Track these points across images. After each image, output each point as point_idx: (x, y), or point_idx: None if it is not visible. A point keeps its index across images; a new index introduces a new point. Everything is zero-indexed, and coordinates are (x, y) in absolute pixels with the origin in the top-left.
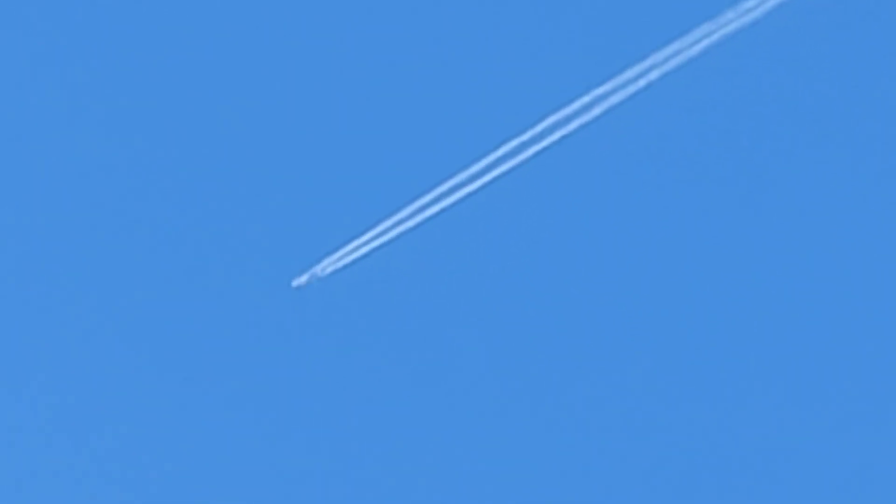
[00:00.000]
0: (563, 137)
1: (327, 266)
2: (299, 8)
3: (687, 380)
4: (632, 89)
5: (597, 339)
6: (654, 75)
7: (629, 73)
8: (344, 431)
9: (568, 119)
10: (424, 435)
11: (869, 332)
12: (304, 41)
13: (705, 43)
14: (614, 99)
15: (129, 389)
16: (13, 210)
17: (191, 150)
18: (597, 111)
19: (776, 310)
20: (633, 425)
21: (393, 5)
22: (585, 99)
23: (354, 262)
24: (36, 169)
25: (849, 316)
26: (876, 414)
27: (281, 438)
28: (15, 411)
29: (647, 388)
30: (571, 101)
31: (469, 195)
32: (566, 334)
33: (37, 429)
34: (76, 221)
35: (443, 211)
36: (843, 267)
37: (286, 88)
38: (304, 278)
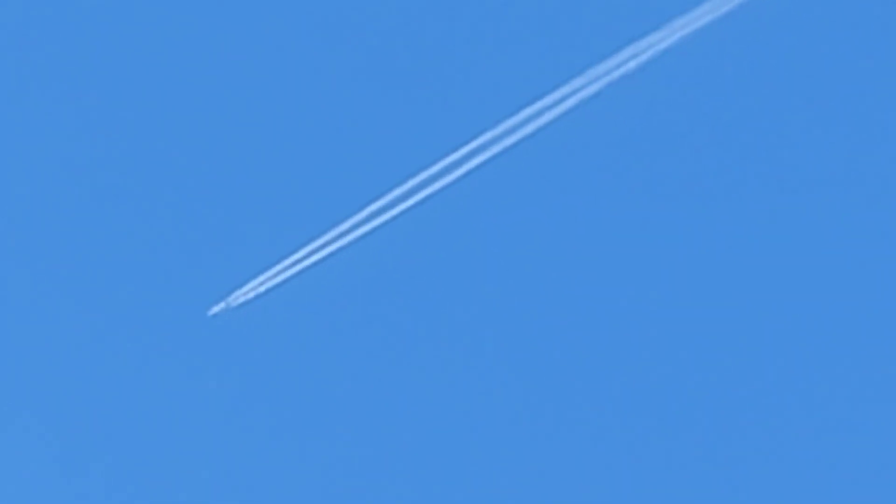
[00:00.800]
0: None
1: (244, 294)
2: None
3: (674, 373)
4: (607, 80)
5: (567, 344)
6: (631, 66)
7: (604, 66)
8: (262, 459)
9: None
10: (343, 468)
11: (855, 324)
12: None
13: (681, 34)
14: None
15: (42, 422)
16: None
17: (101, 168)
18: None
19: (764, 306)
20: (618, 422)
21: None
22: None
23: (270, 290)
24: None
25: (831, 309)
26: (876, 414)
27: (199, 466)
28: None
29: (634, 386)
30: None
31: (393, 219)
32: (518, 356)
33: None
34: None
35: (375, 230)
36: (829, 260)
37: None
38: (220, 306)
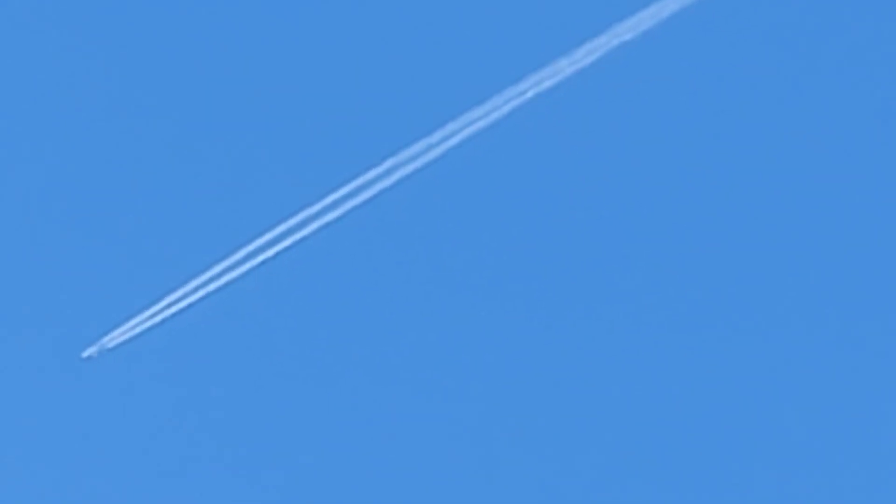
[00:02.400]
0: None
1: (117, 336)
2: None
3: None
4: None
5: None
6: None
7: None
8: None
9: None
10: None
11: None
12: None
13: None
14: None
15: None
16: None
17: None
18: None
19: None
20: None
21: None
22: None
23: (145, 332)
24: None
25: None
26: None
27: None
28: None
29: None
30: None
31: (273, 257)
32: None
33: None
34: None
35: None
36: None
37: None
38: (93, 349)
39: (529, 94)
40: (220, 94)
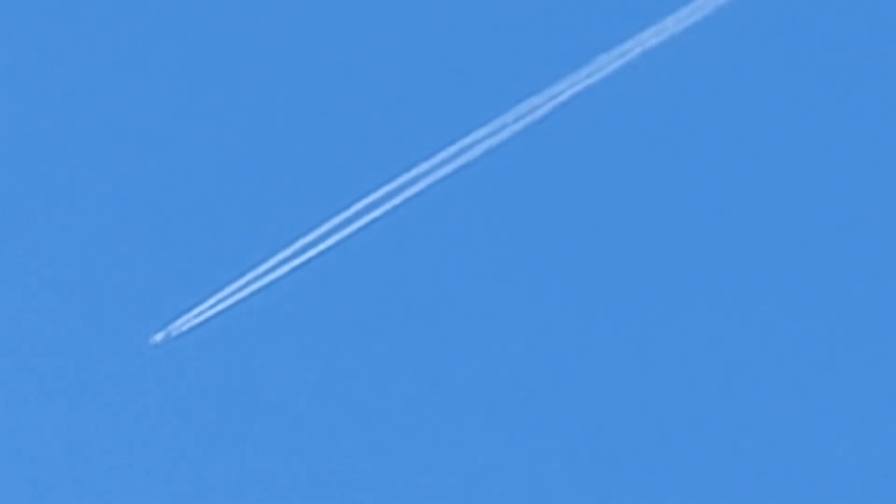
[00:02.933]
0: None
1: (186, 322)
2: None
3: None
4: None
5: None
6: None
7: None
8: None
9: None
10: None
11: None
12: None
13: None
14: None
15: None
16: None
17: (37, 190)
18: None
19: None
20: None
21: None
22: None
23: (213, 317)
24: None
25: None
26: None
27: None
28: None
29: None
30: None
31: (333, 246)
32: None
33: None
34: None
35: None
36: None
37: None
38: (161, 335)
39: (564, 97)
40: (290, 95)
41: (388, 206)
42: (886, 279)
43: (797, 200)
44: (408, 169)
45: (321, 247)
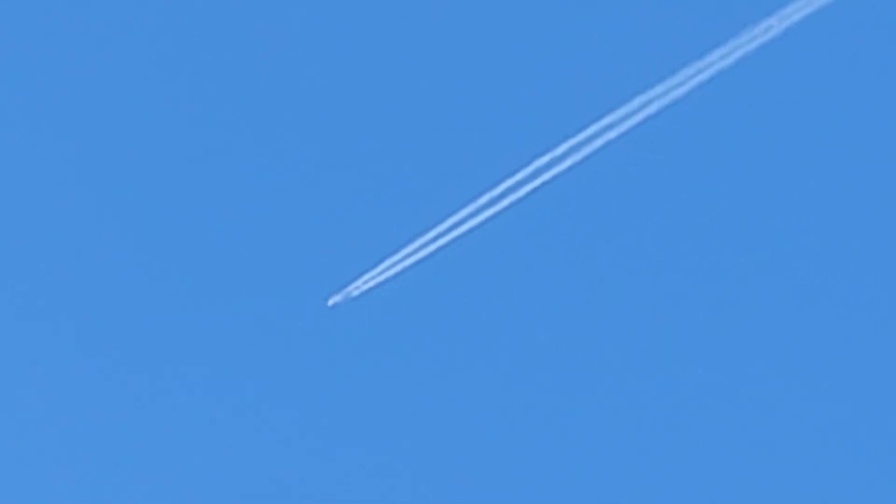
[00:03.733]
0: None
1: (362, 284)
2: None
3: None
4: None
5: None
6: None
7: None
8: (372, 449)
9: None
10: (455, 459)
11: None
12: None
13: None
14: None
15: (154, 410)
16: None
17: (218, 167)
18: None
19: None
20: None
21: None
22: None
23: (389, 280)
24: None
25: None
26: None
27: (322, 456)
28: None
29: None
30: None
31: (501, 211)
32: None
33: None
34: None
35: (479, 226)
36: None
37: (307, 98)
38: (339, 296)
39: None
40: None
41: (554, 172)
42: (887, 279)
43: (797, 202)
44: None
45: (489, 213)
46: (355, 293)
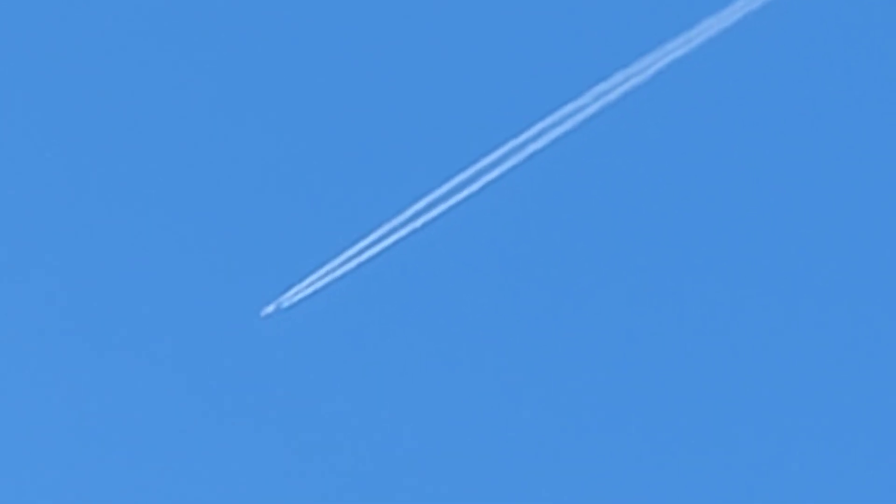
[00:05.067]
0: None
1: (296, 294)
2: None
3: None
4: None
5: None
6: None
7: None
8: (312, 461)
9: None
10: (393, 471)
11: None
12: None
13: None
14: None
15: (83, 424)
16: None
17: (150, 173)
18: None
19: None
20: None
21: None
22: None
23: (322, 289)
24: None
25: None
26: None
27: (251, 470)
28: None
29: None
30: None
31: (436, 218)
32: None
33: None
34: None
35: (419, 230)
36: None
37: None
38: (271, 307)
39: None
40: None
41: (486, 178)
42: (886, 279)
43: (795, 202)
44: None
45: (424, 219)
46: (287, 304)
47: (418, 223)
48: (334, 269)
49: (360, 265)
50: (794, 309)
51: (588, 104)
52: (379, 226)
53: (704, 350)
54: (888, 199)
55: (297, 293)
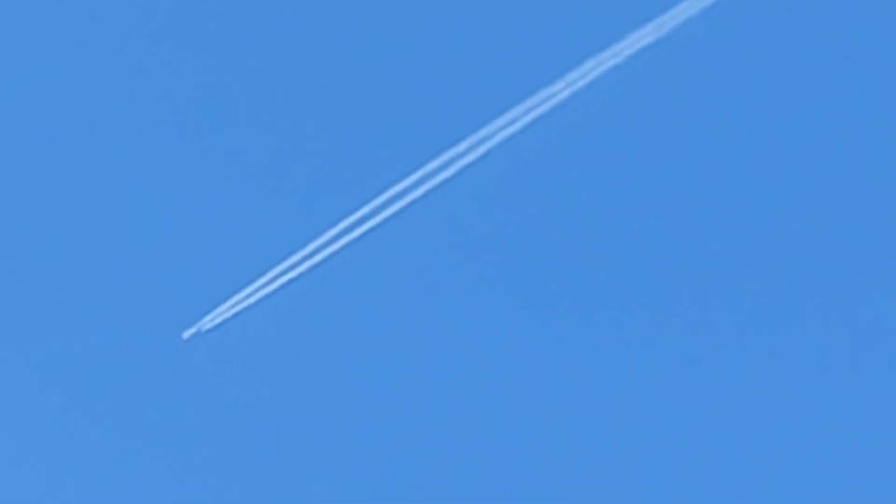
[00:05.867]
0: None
1: (215, 317)
2: None
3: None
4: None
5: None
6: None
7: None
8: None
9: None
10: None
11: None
12: None
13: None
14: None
15: (12, 456)
16: None
17: (74, 182)
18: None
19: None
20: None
21: None
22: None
23: (244, 311)
24: None
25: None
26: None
27: (179, 490)
28: None
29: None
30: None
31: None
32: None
33: None
34: None
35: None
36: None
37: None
38: (192, 330)
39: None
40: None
41: (407, 199)
42: (886, 279)
43: (792, 201)
44: (437, 154)
45: (344, 241)
46: (209, 325)
47: (355, 234)
48: (258, 289)
49: (285, 284)
50: (762, 298)
51: (560, 91)
52: (310, 241)
53: (674, 339)
54: (856, 187)
55: (218, 315)
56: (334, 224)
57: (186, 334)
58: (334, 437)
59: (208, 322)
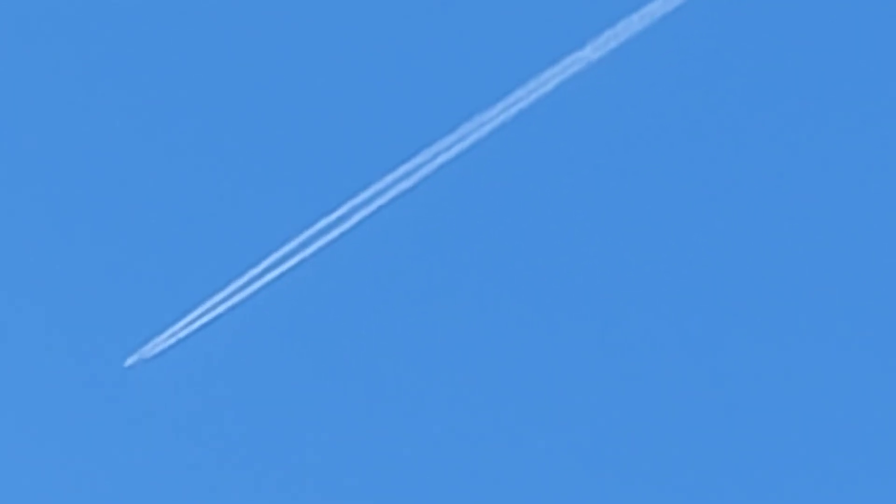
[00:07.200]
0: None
1: (157, 345)
2: None
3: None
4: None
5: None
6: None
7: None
8: None
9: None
10: None
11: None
12: None
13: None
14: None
15: None
16: None
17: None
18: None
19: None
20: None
21: None
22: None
23: (184, 339)
24: None
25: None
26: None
27: None
28: None
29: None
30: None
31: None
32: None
33: None
34: None
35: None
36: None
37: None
38: (134, 357)
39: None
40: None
41: (343, 227)
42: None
43: (788, 199)
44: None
45: (293, 261)
46: (152, 353)
47: (283, 268)
48: (200, 316)
49: (229, 309)
50: (754, 295)
51: (544, 83)
52: (242, 273)
53: (664, 336)
54: (851, 183)
55: (163, 341)
56: (276, 250)
57: (129, 361)
58: (281, 466)
59: (150, 349)
